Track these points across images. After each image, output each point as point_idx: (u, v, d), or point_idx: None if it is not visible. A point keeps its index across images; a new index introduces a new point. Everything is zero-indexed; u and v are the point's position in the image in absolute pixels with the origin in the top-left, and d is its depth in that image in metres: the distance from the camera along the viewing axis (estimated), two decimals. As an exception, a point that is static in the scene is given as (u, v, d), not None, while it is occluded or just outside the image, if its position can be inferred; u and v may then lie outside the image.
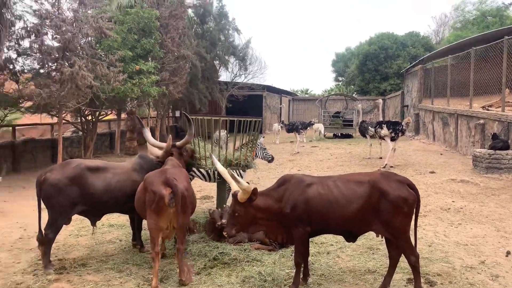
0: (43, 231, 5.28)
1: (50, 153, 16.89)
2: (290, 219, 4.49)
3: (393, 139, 13.81)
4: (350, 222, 4.40)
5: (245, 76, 29.06)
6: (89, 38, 12.71)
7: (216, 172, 7.18)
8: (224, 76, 29.49)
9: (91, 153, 15.34)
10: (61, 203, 5.28)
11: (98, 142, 18.91)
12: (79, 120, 16.51)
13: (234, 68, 28.66)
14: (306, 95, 51.55)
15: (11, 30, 11.97)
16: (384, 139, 14.24)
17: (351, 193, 4.38)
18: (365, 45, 40.23)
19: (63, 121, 14.29)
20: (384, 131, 13.84)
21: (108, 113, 17.85)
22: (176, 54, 17.21)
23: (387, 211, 4.24)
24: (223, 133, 9.05)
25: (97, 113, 15.72)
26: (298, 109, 40.15)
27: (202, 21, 25.85)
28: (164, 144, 6.27)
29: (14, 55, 13.34)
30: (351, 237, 4.62)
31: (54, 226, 5.30)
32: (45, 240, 5.24)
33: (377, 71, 38.20)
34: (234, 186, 4.58)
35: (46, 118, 18.66)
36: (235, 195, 4.52)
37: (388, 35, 38.84)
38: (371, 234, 5.56)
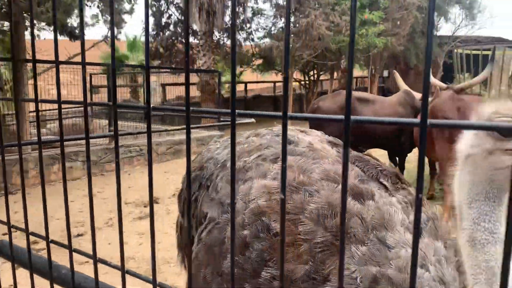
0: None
1: (273, 108, 18.65)
2: None
3: None
4: None
5: (471, 27, 25.29)
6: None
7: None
8: (443, 29, 26.34)
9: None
10: (331, 132, 5.33)
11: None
12: (302, 78, 17.32)
13: (456, 19, 25.22)
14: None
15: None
16: None
17: None
18: None
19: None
20: None
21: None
22: (400, 2, 15.97)
23: None
24: None
25: (319, 70, 16.12)
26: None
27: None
28: (441, 83, 5.88)
29: (249, 15, 14.59)
30: None
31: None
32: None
33: None
34: None
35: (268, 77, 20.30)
36: None
37: None
38: None
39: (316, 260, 1.17)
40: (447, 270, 1.22)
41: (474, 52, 7.01)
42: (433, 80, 5.78)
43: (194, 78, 13.59)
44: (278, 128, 1.77)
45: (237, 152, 1.58)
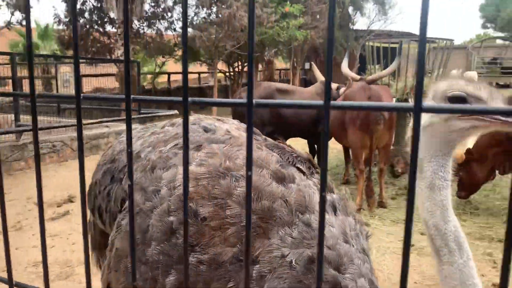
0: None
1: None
2: None
3: None
4: None
5: (384, 21, 27.00)
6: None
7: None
8: (359, 23, 27.85)
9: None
10: (254, 122, 5.41)
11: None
12: (227, 70, 17.28)
13: (371, 14, 26.77)
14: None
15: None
16: None
17: None
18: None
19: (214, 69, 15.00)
20: None
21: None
22: (319, -4, 16.54)
23: None
24: None
25: (243, 62, 16.18)
26: (438, 59, 36.33)
27: (338, -37, 24.40)
28: (355, 75, 6.19)
29: (171, 3, 14.20)
30: None
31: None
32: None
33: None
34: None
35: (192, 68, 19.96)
36: None
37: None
38: None
39: (244, 242, 1.19)
40: (363, 241, 1.37)
41: (383, 45, 7.52)
42: (348, 72, 6.06)
43: (112, 68, 12.92)
44: (193, 117, 1.79)
45: (152, 142, 1.58)
